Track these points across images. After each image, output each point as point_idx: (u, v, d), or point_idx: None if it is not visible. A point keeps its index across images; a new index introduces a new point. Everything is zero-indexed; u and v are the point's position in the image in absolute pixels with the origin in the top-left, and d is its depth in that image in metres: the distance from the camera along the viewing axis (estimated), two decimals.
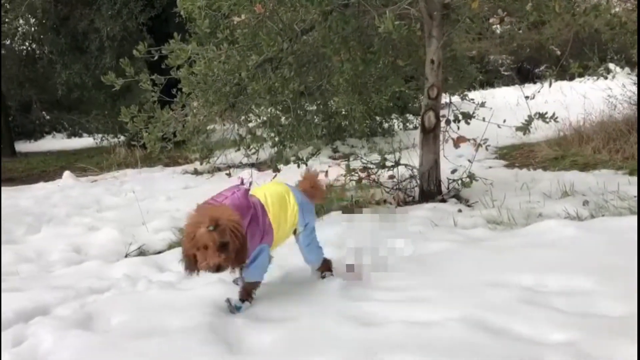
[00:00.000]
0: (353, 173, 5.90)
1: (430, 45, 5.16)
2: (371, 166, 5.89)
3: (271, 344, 2.32)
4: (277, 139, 6.39)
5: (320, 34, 5.39)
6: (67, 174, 9.84)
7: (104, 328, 2.78)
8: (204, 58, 5.16)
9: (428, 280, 2.95)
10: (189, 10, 5.20)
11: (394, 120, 11.49)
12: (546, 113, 5.01)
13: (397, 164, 5.72)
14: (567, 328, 2.18)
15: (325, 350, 2.17)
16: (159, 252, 4.54)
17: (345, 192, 5.88)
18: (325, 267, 3.17)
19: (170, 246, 4.71)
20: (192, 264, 2.51)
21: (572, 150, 7.27)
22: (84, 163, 11.59)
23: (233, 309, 2.77)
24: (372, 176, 5.90)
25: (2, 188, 9.01)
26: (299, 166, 5.90)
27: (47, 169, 12.51)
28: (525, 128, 5.10)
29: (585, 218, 4.07)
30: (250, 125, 6.57)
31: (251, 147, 6.08)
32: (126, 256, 4.55)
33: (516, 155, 8.12)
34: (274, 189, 3.01)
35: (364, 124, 7.62)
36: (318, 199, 3.29)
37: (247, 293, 2.84)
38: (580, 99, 9.39)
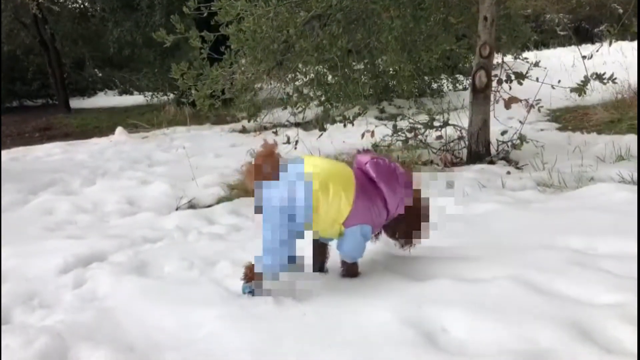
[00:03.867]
0: (400, 133, 5.85)
1: (483, 2, 5.00)
2: (418, 126, 5.82)
3: (325, 292, 2.39)
4: (323, 98, 6.36)
5: None
6: (119, 130, 10.13)
7: (157, 274, 2.92)
8: (252, 14, 5.15)
9: (476, 240, 2.94)
10: None
11: (443, 81, 11.25)
12: (604, 74, 4.81)
13: (445, 124, 5.63)
14: (616, 290, 2.15)
15: (374, 301, 2.22)
16: (209, 206, 4.65)
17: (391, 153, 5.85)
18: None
19: (219, 200, 4.82)
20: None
21: (630, 113, 6.96)
22: (135, 120, 11.86)
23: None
24: (419, 137, 5.82)
25: (59, 142, 9.39)
26: (345, 126, 5.88)
27: (100, 125, 12.85)
28: (581, 89, 4.91)
29: None
30: (297, 83, 6.56)
31: (298, 105, 6.08)
32: (177, 209, 4.69)
33: (569, 118, 7.85)
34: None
35: (412, 84, 7.50)
36: None
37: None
38: None
